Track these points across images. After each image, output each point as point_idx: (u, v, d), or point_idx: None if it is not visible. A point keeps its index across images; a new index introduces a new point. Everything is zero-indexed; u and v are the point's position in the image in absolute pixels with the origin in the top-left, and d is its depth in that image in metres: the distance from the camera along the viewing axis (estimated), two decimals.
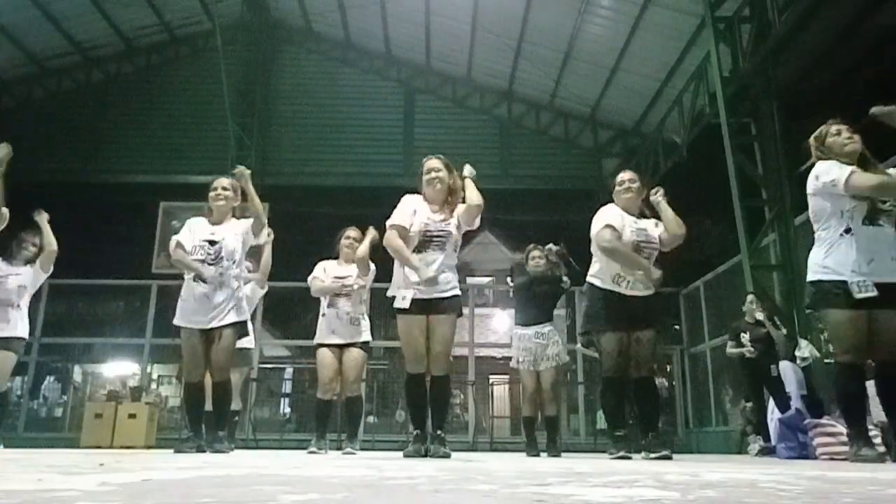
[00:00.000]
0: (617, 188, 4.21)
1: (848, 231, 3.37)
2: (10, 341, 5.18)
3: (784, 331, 6.87)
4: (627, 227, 4.05)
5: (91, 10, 12.34)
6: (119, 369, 13.37)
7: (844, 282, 3.33)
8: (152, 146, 13.28)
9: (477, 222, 3.95)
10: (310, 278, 5.09)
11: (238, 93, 12.97)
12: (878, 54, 8.60)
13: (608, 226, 4.01)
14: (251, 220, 4.41)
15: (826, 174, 3.42)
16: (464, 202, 3.92)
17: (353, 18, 13.20)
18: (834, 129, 3.55)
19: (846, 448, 3.73)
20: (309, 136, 13.52)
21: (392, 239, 3.83)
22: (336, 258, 5.13)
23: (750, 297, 6.87)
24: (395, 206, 3.96)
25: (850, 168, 3.36)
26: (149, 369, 11.32)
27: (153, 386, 11.81)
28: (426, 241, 3.82)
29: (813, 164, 3.61)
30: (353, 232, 5.12)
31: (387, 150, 13.42)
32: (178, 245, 4.26)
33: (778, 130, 8.27)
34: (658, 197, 4.09)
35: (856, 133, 3.52)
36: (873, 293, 3.26)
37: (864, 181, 3.32)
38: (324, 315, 5.00)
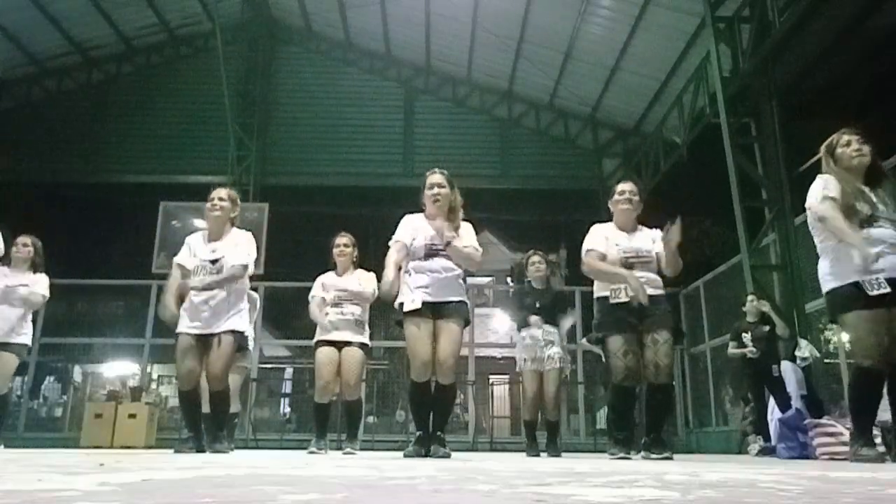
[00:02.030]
0: (616, 197, 4.16)
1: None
2: (15, 345, 5.20)
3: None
4: (614, 246, 4.03)
5: (91, 10, 12.33)
6: (119, 369, 13.37)
7: (856, 283, 3.28)
8: (152, 146, 13.28)
9: (472, 268, 4.02)
10: (310, 296, 5.05)
11: (238, 93, 12.96)
12: (878, 54, 8.61)
13: (589, 251, 4.06)
14: (249, 238, 4.38)
15: (811, 192, 3.46)
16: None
17: (353, 18, 13.19)
18: (844, 139, 3.49)
19: (846, 448, 3.73)
20: (309, 136, 13.51)
21: (390, 254, 3.88)
22: (334, 269, 5.10)
23: (750, 297, 6.88)
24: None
25: (829, 195, 3.35)
26: (149, 369, 11.32)
27: (153, 386, 11.80)
28: (431, 254, 3.86)
29: (812, 164, 3.60)
30: (342, 239, 5.07)
31: (387, 150, 13.42)
32: (178, 267, 4.24)
33: (778, 130, 8.26)
34: (672, 240, 3.88)
35: (866, 144, 3.45)
36: (887, 289, 3.21)
37: (823, 212, 3.34)
38: (326, 314, 4.99)
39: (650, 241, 4.09)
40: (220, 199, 4.32)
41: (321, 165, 13.34)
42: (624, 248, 4.03)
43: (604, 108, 12.63)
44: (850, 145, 3.46)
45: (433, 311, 3.79)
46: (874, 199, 3.38)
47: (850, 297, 3.31)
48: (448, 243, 3.82)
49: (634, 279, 3.86)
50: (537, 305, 5.38)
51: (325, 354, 4.91)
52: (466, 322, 3.92)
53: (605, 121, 13.07)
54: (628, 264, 3.99)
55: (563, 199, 14.64)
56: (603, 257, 4.01)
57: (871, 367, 3.29)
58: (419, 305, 3.75)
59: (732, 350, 6.76)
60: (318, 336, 4.99)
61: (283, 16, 13.94)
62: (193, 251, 4.28)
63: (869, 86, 9.11)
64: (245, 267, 4.23)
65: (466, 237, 3.93)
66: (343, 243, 5.05)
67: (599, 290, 4.14)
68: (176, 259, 4.31)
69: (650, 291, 3.93)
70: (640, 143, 12.68)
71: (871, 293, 3.23)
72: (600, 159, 13.25)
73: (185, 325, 4.17)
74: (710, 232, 14.29)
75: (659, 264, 4.06)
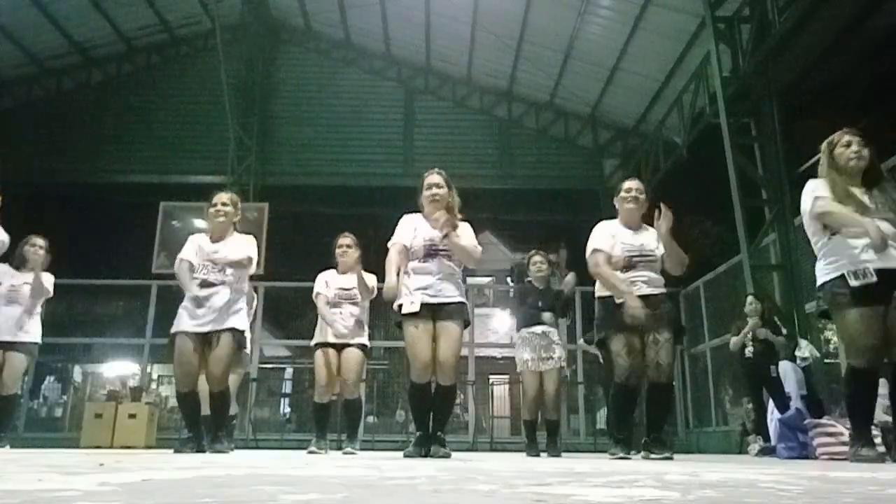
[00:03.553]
0: (623, 195, 4.17)
1: (836, 233, 3.36)
2: (24, 344, 5.23)
3: (784, 332, 6.86)
4: (619, 244, 4.03)
5: (91, 10, 12.33)
6: (119, 369, 13.38)
7: (843, 275, 3.29)
8: (152, 146, 13.27)
9: (470, 264, 3.98)
10: (314, 295, 5.09)
11: (238, 93, 12.96)
12: (878, 54, 8.61)
13: (595, 250, 4.04)
14: (250, 239, 4.38)
15: (803, 197, 3.49)
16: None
17: (353, 18, 13.19)
18: (845, 139, 3.47)
19: (846, 448, 3.73)
20: (309, 136, 13.51)
21: (390, 256, 3.86)
22: (336, 267, 5.13)
23: (749, 299, 6.85)
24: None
25: (818, 195, 3.37)
26: (149, 369, 11.32)
27: (153, 386, 11.80)
28: (431, 254, 3.84)
29: (813, 164, 3.60)
30: (344, 239, 5.12)
31: (387, 150, 13.41)
32: (183, 262, 4.25)
33: (778, 130, 8.27)
34: (662, 225, 3.92)
35: (866, 147, 3.43)
36: (872, 279, 3.19)
37: (821, 208, 3.35)
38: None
39: (654, 239, 4.08)
40: (224, 204, 4.35)
41: (321, 165, 13.34)
42: (628, 246, 4.03)
43: (604, 108, 12.62)
44: (849, 146, 3.45)
45: (432, 312, 3.78)
46: (866, 201, 3.37)
47: (840, 293, 3.30)
48: (446, 235, 3.80)
49: (634, 298, 3.83)
50: (539, 305, 5.39)
51: (323, 356, 4.94)
52: (466, 323, 3.91)
53: (605, 121, 13.07)
54: (632, 263, 3.99)
55: (563, 199, 14.65)
56: (609, 258, 4.01)
57: (864, 367, 3.28)
58: (418, 308, 3.73)
59: (734, 340, 6.72)
60: (317, 338, 5.00)
61: (283, 16, 13.94)
62: (196, 250, 4.30)
63: (869, 86, 9.11)
64: (250, 259, 4.26)
65: (465, 237, 3.91)
66: (346, 244, 5.09)
67: (601, 289, 4.13)
68: (181, 254, 4.31)
69: (651, 291, 3.96)
70: (640, 143, 12.67)
71: (852, 284, 3.23)
72: (600, 159, 13.24)
73: (185, 324, 4.18)
74: (710, 232, 14.27)
75: (663, 264, 4.07)
